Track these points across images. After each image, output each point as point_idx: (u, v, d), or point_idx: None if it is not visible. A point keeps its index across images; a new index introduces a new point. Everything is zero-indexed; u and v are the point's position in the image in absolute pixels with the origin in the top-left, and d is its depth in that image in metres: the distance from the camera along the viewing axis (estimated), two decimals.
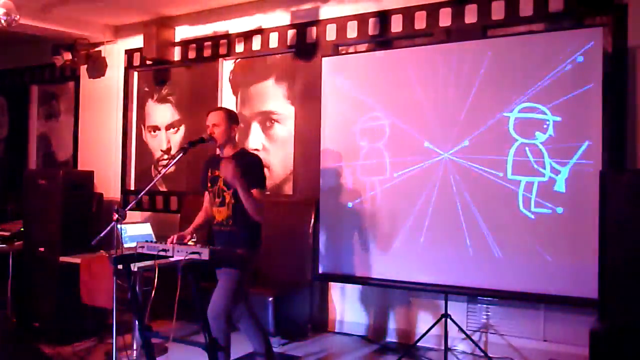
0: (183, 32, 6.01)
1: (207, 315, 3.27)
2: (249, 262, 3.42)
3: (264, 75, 5.61)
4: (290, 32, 5.35)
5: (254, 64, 5.66)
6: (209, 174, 3.59)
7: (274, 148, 5.54)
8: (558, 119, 4.00)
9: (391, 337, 4.81)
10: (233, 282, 3.34)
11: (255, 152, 4.92)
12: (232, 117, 3.58)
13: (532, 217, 4.05)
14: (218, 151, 3.64)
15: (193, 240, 3.32)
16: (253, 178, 3.42)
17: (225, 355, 3.32)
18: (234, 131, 3.57)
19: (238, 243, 3.40)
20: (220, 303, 3.30)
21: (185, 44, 5.97)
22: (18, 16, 4.27)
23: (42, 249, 4.83)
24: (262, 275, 4.76)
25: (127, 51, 6.40)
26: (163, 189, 6.21)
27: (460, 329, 4.28)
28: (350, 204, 4.73)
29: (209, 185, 3.58)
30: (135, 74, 6.46)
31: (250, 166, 3.46)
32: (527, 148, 4.09)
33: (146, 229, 4.67)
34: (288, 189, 5.43)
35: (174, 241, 3.27)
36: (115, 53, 6.50)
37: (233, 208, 3.44)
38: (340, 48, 5.13)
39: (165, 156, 6.23)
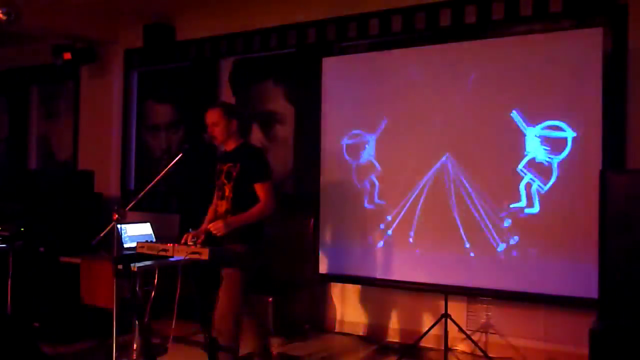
0: (183, 31, 6.00)
1: (214, 317, 3.27)
2: (251, 261, 3.41)
3: (264, 75, 5.60)
4: (291, 32, 5.34)
5: (254, 64, 5.66)
6: (217, 167, 3.60)
7: (274, 148, 5.53)
8: (558, 118, 4.00)
9: (391, 337, 4.81)
10: (237, 282, 3.33)
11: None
12: (230, 112, 3.53)
13: (533, 216, 4.05)
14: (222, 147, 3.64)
15: (193, 240, 3.31)
16: (255, 172, 3.42)
17: (233, 356, 3.30)
18: (234, 125, 3.51)
19: (237, 237, 3.36)
20: (226, 304, 3.29)
21: (185, 43, 5.96)
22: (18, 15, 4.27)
23: (42, 249, 4.82)
24: (263, 275, 4.76)
25: (127, 51, 6.40)
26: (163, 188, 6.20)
27: (460, 329, 4.28)
28: (350, 204, 4.73)
29: (215, 179, 3.59)
30: (136, 73, 6.46)
31: (251, 160, 3.46)
32: (527, 148, 4.09)
33: (146, 229, 4.67)
34: (288, 189, 5.43)
35: (189, 239, 3.26)
36: (115, 53, 6.50)
37: (232, 202, 3.43)
38: (340, 48, 5.12)
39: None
